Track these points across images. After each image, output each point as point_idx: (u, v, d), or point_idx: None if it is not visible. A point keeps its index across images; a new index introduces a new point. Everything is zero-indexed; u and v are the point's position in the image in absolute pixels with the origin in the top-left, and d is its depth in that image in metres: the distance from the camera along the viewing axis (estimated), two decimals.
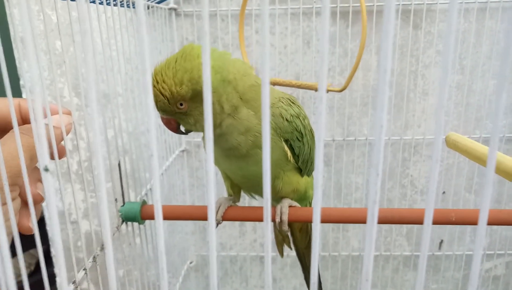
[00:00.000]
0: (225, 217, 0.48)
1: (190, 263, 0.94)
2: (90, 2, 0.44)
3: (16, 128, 0.24)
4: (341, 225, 0.92)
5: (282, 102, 0.44)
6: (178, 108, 0.38)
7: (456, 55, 0.82)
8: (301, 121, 0.45)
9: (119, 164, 0.49)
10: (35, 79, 0.15)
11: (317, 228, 0.20)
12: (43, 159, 0.16)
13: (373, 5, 0.78)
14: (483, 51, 0.81)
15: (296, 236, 0.61)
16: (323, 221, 0.46)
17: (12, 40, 0.74)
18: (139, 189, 0.57)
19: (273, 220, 0.48)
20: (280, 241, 0.63)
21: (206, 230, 0.95)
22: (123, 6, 0.53)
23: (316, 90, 0.61)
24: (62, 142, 0.34)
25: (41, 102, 0.15)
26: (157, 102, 0.38)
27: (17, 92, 0.77)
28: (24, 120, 0.32)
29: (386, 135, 0.86)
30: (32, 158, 0.29)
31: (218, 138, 0.41)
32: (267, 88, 0.17)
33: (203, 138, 0.49)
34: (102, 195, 0.17)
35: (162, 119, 0.41)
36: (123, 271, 0.79)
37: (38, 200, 0.31)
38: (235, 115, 0.40)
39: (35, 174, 0.31)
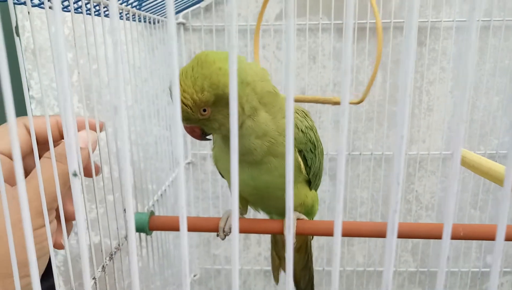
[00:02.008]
0: None
1: (194, 276, 0.94)
2: (103, 16, 0.45)
3: (53, 155, 0.27)
4: (346, 239, 0.92)
5: (298, 114, 0.44)
6: (201, 115, 0.39)
7: (461, 72, 0.83)
8: (314, 134, 0.46)
9: None
10: (66, 95, 0.16)
11: (338, 241, 0.20)
12: (73, 164, 0.17)
13: (374, 21, 0.80)
14: (487, 68, 0.82)
15: (293, 257, 0.60)
16: (344, 234, 0.46)
17: (23, 51, 0.75)
18: (146, 201, 0.57)
19: (281, 232, 0.48)
20: (277, 265, 0.62)
21: (211, 243, 0.94)
22: (135, 21, 0.54)
23: (334, 103, 0.61)
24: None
25: (72, 117, 0.16)
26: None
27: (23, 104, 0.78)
28: (62, 135, 0.33)
29: (391, 150, 0.87)
30: (65, 183, 0.31)
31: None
32: (291, 104, 0.18)
33: (213, 149, 0.49)
34: (129, 204, 0.17)
35: (186, 128, 0.41)
36: (127, 282, 0.78)
37: (72, 217, 0.33)
38: (254, 117, 0.40)
39: (69, 194, 0.33)
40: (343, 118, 0.17)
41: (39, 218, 0.28)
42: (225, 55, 0.38)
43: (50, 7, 0.33)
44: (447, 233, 0.21)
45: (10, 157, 0.32)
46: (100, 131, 0.36)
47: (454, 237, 0.44)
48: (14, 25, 0.25)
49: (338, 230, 0.20)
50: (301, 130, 0.44)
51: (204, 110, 0.38)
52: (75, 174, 0.17)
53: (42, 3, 0.33)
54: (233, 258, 0.19)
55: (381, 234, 0.46)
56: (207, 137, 0.43)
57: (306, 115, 0.46)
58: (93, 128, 0.35)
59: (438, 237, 0.44)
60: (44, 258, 0.30)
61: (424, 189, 0.90)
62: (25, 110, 0.28)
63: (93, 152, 0.35)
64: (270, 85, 0.42)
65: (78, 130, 0.34)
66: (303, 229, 0.47)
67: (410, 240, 0.93)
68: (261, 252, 0.94)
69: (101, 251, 0.43)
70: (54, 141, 0.33)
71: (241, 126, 0.40)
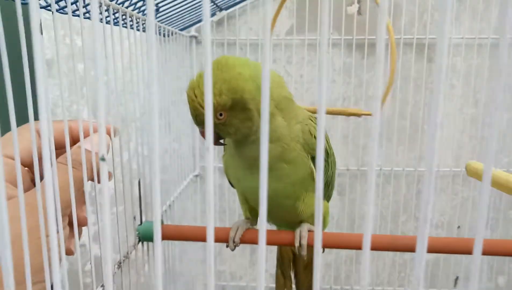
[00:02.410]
0: (243, 240, 0.47)
1: None
2: (114, 25, 0.45)
3: (70, 164, 0.28)
4: (354, 257, 0.90)
5: (311, 120, 0.44)
6: (218, 119, 0.39)
7: (470, 89, 0.83)
8: (327, 142, 0.45)
9: (139, 182, 0.49)
10: (101, 104, 0.16)
11: (366, 257, 0.19)
12: (102, 149, 0.17)
13: (386, 38, 0.80)
14: (494, 85, 0.82)
15: (299, 276, 0.59)
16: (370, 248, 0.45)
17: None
18: (152, 213, 0.56)
19: (292, 244, 0.47)
20: (281, 284, 0.60)
21: (216, 258, 0.92)
22: (145, 31, 0.55)
23: (356, 115, 0.61)
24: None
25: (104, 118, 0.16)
26: (196, 115, 0.38)
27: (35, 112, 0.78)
28: (75, 140, 0.33)
29: (400, 166, 0.86)
30: (79, 189, 0.31)
31: (250, 145, 0.41)
32: (323, 116, 0.17)
33: (224, 156, 0.49)
34: (156, 212, 0.16)
35: (201, 132, 0.42)
36: None
37: (84, 223, 0.33)
38: (272, 122, 0.40)
39: (81, 200, 0.33)
40: (374, 131, 0.17)
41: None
42: (244, 60, 0.39)
43: (57, 10, 0.33)
44: (478, 249, 0.19)
45: (22, 162, 0.32)
46: (114, 136, 0.36)
47: (469, 251, 0.43)
48: (38, 23, 0.25)
49: (367, 242, 0.19)
50: (315, 136, 0.43)
51: (221, 114, 0.38)
52: (102, 159, 0.17)
53: (49, 5, 0.33)
54: (259, 270, 0.18)
55: (395, 248, 0.45)
56: (221, 141, 0.43)
57: None
58: (107, 132, 0.35)
59: (467, 252, 0.43)
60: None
61: (434, 206, 0.88)
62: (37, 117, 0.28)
63: (106, 154, 0.34)
64: (286, 91, 0.42)
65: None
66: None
67: None
68: (268, 269, 0.92)
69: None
70: (65, 147, 0.33)
71: (256, 130, 0.40)
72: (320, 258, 0.19)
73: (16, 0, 0.22)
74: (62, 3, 0.34)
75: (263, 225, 0.18)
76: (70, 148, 0.32)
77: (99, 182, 0.35)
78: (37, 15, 0.17)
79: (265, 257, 0.18)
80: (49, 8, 0.30)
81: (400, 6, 0.80)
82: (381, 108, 0.56)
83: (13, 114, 0.21)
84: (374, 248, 0.44)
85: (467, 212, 0.87)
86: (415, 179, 0.86)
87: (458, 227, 0.89)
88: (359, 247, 0.45)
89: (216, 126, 0.39)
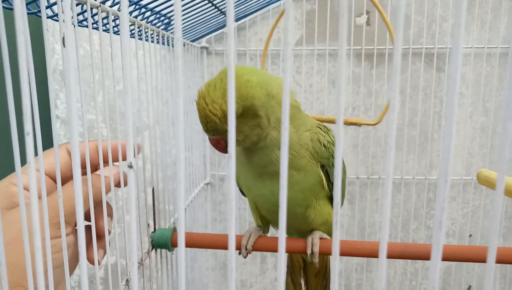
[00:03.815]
0: (256, 247, 0.48)
1: None
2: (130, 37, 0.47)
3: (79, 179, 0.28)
4: (364, 265, 0.90)
5: (320, 128, 0.45)
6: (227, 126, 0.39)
7: (480, 97, 0.83)
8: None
9: (153, 190, 0.50)
10: (129, 116, 0.16)
11: (383, 266, 0.19)
12: (129, 156, 0.17)
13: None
14: (506, 94, 0.82)
15: (310, 283, 0.59)
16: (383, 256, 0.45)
17: (51, 72, 0.78)
18: (163, 222, 0.57)
19: (304, 252, 0.47)
20: None
21: (227, 266, 0.93)
22: (158, 43, 0.56)
23: (356, 125, 0.62)
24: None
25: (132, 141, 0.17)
26: (207, 123, 0.38)
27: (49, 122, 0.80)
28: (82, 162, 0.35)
29: (410, 175, 0.86)
30: (84, 202, 0.32)
31: (259, 152, 0.41)
32: (341, 125, 0.18)
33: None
34: (181, 214, 0.17)
35: (211, 140, 0.41)
36: None
37: (102, 233, 0.34)
38: (279, 128, 0.41)
39: (100, 211, 0.34)
40: (390, 139, 0.18)
41: (54, 229, 0.29)
42: (250, 69, 0.39)
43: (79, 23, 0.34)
44: (492, 257, 0.19)
45: (50, 176, 0.34)
46: (138, 153, 0.37)
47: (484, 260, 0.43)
48: (62, 36, 0.26)
49: (383, 250, 0.19)
50: (324, 144, 0.44)
51: None
52: (130, 166, 0.18)
53: (56, 15, 0.34)
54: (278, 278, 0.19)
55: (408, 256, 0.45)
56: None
57: (329, 130, 0.46)
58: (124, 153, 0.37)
59: (481, 260, 0.43)
60: (59, 270, 0.30)
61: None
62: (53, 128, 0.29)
63: (114, 185, 0.36)
64: (294, 99, 0.43)
65: (113, 159, 0.36)
66: (325, 248, 0.46)
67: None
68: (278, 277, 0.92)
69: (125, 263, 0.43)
70: (93, 166, 0.35)
71: (265, 137, 0.40)
72: (338, 264, 0.19)
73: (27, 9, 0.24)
74: (79, 17, 0.36)
75: (282, 232, 0.19)
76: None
77: (125, 185, 0.37)
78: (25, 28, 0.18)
79: (283, 265, 0.19)
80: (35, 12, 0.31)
81: (409, 17, 0.81)
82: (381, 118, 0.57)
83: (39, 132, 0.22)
84: (388, 256, 0.44)
85: (479, 221, 0.86)
86: (425, 188, 0.86)
87: (470, 235, 0.88)
88: (373, 255, 0.45)
89: (225, 133, 0.40)
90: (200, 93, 0.39)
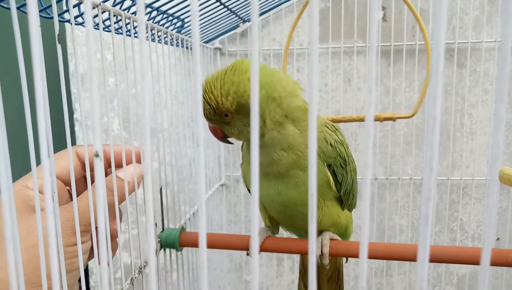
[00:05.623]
0: (263, 248, 0.47)
1: None
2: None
3: (90, 189, 0.30)
4: (384, 269, 0.87)
5: (327, 127, 0.43)
6: (223, 118, 0.39)
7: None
8: (344, 149, 0.44)
9: (160, 190, 0.50)
10: (146, 125, 0.16)
11: (424, 270, 0.17)
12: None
13: (415, 44, 0.78)
14: None
15: (323, 289, 0.57)
16: (404, 258, 0.43)
17: (70, 76, 0.80)
18: (177, 222, 0.57)
19: None
20: None
21: (243, 268, 0.92)
22: (173, 45, 0.56)
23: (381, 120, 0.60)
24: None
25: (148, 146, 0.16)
26: (204, 110, 0.39)
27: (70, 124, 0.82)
28: (109, 164, 0.36)
29: None
30: (110, 209, 0.34)
31: (261, 151, 0.41)
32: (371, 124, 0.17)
33: (242, 164, 0.49)
34: (202, 211, 0.16)
35: (210, 127, 0.43)
36: None
37: (115, 235, 0.36)
38: (281, 130, 0.40)
39: (113, 215, 0.35)
40: (433, 136, 0.16)
41: (72, 237, 0.30)
42: (260, 66, 0.39)
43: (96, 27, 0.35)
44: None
45: (61, 179, 0.35)
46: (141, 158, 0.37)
47: (500, 263, 0.41)
48: (56, 33, 0.26)
49: (425, 255, 0.18)
50: (330, 143, 0.42)
51: (226, 115, 0.39)
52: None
53: (82, 19, 0.35)
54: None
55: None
56: (229, 139, 0.44)
57: (337, 129, 0.45)
58: (139, 159, 0.37)
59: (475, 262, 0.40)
60: (75, 273, 0.31)
61: (469, 217, 0.84)
62: (72, 131, 0.29)
63: (138, 187, 0.37)
64: (300, 101, 0.41)
65: (126, 163, 0.36)
66: (336, 249, 0.45)
67: (455, 273, 0.87)
68: (294, 280, 0.91)
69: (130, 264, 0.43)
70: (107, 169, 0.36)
71: (262, 136, 0.40)
72: (366, 264, 0.18)
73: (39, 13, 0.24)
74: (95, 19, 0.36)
75: (313, 231, 0.18)
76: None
77: (138, 188, 0.37)
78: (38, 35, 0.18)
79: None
80: (83, 24, 0.32)
81: (427, 12, 0.78)
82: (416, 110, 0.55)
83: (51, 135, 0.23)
84: (406, 258, 0.42)
85: (507, 223, 0.82)
86: (447, 189, 0.83)
87: (497, 239, 0.84)
88: (404, 258, 0.43)
89: (221, 124, 0.41)
90: (207, 79, 0.39)
